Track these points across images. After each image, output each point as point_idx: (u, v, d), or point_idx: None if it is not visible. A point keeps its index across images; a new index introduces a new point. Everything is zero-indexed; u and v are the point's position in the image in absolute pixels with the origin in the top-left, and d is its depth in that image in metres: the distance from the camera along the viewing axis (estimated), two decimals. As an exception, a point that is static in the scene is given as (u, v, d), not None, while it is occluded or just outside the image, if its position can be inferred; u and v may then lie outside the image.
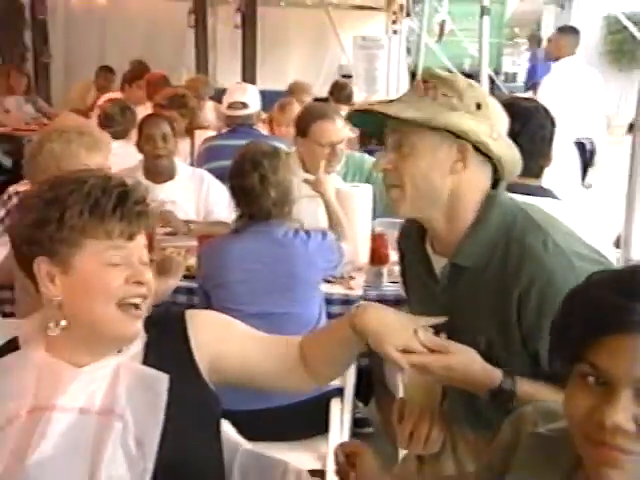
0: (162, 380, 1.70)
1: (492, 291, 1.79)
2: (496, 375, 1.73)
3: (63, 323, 1.69)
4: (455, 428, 2.05)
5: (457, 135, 1.78)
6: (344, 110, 6.12)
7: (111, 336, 1.72)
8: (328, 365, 1.86)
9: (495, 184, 1.90)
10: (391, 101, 1.91)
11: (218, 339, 1.86)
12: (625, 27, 8.31)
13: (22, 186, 4.17)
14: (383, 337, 1.67)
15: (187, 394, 1.74)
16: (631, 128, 3.14)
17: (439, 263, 1.93)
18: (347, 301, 3.43)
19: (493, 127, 1.81)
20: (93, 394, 1.68)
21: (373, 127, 1.97)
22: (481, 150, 1.81)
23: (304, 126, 4.17)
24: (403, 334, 1.66)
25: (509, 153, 1.85)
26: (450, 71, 1.98)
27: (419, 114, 1.78)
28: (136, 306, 1.70)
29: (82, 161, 3.02)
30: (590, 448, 1.19)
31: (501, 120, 1.86)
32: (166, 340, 1.81)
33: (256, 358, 1.86)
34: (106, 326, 1.69)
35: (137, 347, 1.78)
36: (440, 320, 1.77)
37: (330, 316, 3.25)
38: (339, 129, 4.12)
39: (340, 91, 7.76)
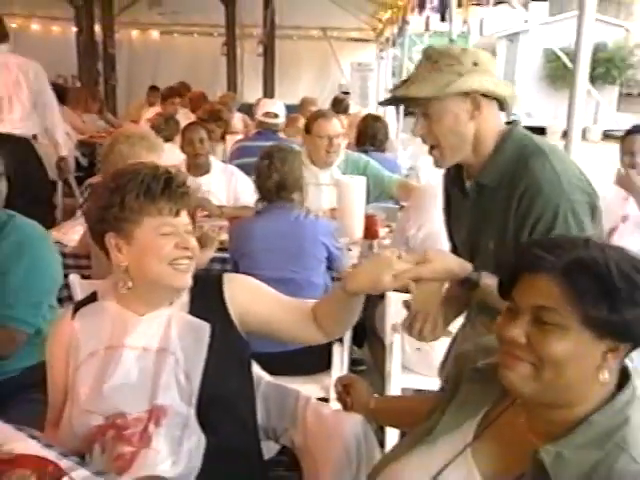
0: (205, 327, 1.72)
1: (501, 202, 1.77)
2: (468, 267, 1.71)
3: (130, 284, 1.72)
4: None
5: (468, 92, 1.76)
6: (343, 118, 6.12)
7: (166, 287, 1.74)
8: (336, 323, 1.83)
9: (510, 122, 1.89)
10: (407, 80, 1.88)
11: (247, 298, 1.83)
12: (559, 57, 8.30)
13: (95, 179, 4.14)
14: (376, 282, 1.62)
15: (223, 340, 1.74)
16: (564, 134, 3.13)
17: (469, 184, 1.91)
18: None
19: (492, 75, 1.79)
20: (152, 336, 1.72)
21: (401, 101, 1.96)
22: (487, 95, 1.78)
23: (309, 124, 4.24)
24: (386, 268, 1.60)
25: (508, 90, 1.83)
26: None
27: (434, 89, 1.76)
28: (183, 264, 1.71)
29: (143, 159, 3.00)
30: (499, 356, 1.24)
31: (495, 67, 1.84)
32: (207, 295, 1.80)
33: (277, 316, 1.84)
34: (162, 280, 1.71)
35: (184, 299, 1.79)
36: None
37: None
38: (335, 125, 4.19)
39: (339, 104, 7.77)
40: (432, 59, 1.79)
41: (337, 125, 4.22)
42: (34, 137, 4.96)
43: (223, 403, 1.74)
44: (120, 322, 1.74)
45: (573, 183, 1.72)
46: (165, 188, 1.70)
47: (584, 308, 1.13)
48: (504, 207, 1.75)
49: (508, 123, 1.87)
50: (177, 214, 1.72)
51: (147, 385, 1.69)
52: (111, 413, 1.68)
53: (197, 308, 1.78)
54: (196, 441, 1.68)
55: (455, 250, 2.05)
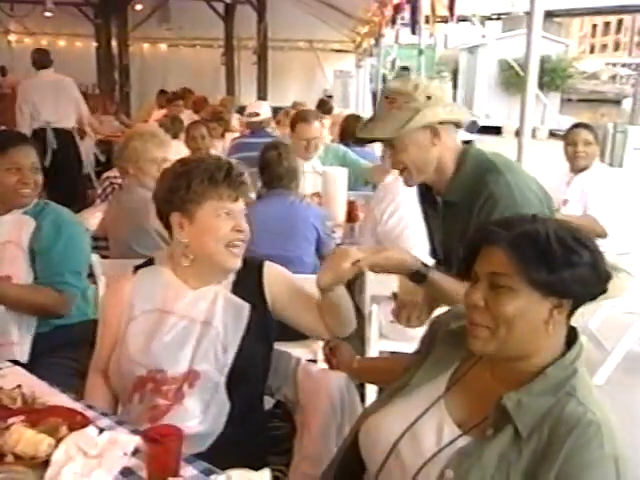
0: (246, 308, 1.70)
1: (466, 214, 1.75)
2: (419, 262, 1.68)
3: (192, 257, 1.70)
4: None
5: (425, 126, 1.74)
6: (327, 118, 6.12)
7: (220, 267, 1.72)
8: (333, 319, 1.80)
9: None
10: (371, 119, 1.85)
11: (281, 288, 1.81)
12: (512, 67, 8.35)
13: (112, 173, 4.09)
14: (337, 270, 1.60)
15: (259, 320, 1.73)
16: (517, 133, 3.17)
17: (439, 199, 1.89)
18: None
19: (445, 104, 1.76)
20: (199, 309, 1.70)
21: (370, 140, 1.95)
22: (443, 122, 1.76)
23: (293, 125, 4.21)
24: (344, 258, 1.59)
25: (461, 114, 1.81)
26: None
27: (395, 129, 1.73)
28: (237, 246, 1.69)
29: (153, 154, 2.96)
30: (467, 324, 1.25)
31: (445, 93, 1.81)
32: (249, 278, 1.78)
33: (300, 311, 1.82)
34: (217, 259, 1.69)
35: (230, 280, 1.77)
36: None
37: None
38: (314, 129, 4.11)
39: (325, 105, 7.76)
40: (389, 98, 1.76)
41: (316, 129, 4.18)
42: (73, 129, 6.31)
43: (249, 375, 1.73)
44: (173, 290, 1.72)
45: (524, 193, 1.71)
46: (226, 176, 1.68)
47: (528, 272, 1.15)
48: (466, 219, 1.74)
49: (465, 142, 1.85)
50: (235, 200, 1.69)
51: (188, 351, 1.67)
52: (153, 368, 1.67)
53: (240, 289, 1.75)
54: (222, 407, 1.67)
55: (434, 252, 2.04)
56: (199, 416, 1.65)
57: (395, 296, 1.78)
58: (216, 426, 1.66)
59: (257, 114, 5.13)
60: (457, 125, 1.82)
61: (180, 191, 1.67)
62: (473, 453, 1.17)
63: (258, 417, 1.82)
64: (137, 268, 1.81)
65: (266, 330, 1.78)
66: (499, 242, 1.19)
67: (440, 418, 1.28)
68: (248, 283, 1.77)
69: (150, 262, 1.82)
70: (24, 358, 2.18)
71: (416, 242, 2.76)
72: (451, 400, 1.30)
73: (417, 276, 1.67)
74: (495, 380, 1.26)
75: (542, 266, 1.15)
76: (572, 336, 1.24)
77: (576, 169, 3.67)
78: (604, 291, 1.19)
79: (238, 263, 1.72)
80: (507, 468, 1.14)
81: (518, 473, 1.13)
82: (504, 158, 1.84)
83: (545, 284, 1.15)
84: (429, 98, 1.73)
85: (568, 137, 3.70)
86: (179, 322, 1.69)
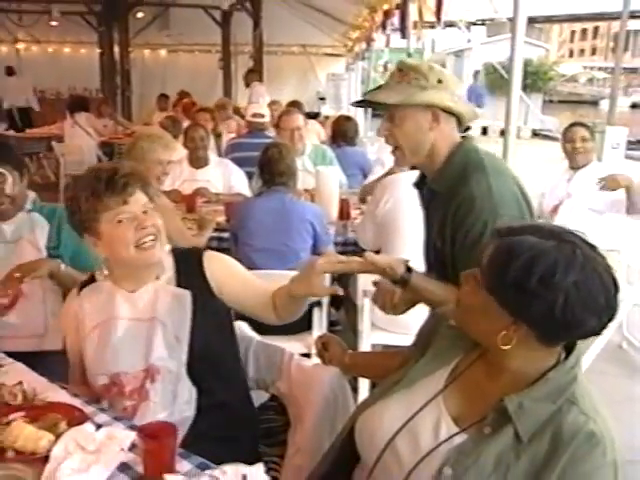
0: (187, 295, 1.68)
1: (443, 208, 1.68)
2: (400, 268, 1.62)
3: (106, 272, 1.72)
4: None
5: (429, 105, 1.67)
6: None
7: (140, 267, 1.68)
8: (287, 312, 1.76)
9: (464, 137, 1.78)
10: (379, 87, 1.78)
11: (223, 274, 1.77)
12: (496, 70, 8.36)
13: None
14: (311, 290, 1.61)
15: (205, 305, 1.70)
16: (502, 133, 3.14)
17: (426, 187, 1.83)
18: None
19: (453, 93, 1.69)
20: (142, 308, 1.68)
21: (371, 105, 1.85)
22: (446, 110, 1.69)
23: (278, 120, 4.35)
24: (314, 274, 1.58)
25: (466, 109, 1.73)
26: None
27: (399, 98, 1.67)
28: (146, 242, 1.64)
29: (159, 155, 2.97)
30: None
31: (457, 86, 1.73)
32: (190, 270, 1.75)
33: (245, 294, 1.78)
34: (133, 262, 1.66)
35: (170, 274, 1.74)
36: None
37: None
38: (295, 120, 4.22)
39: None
40: (403, 71, 1.70)
41: (298, 119, 4.22)
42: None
43: (209, 361, 1.70)
44: (115, 298, 1.70)
45: (504, 196, 1.62)
46: (108, 184, 1.62)
47: (489, 277, 1.14)
48: (444, 214, 1.67)
49: (463, 137, 1.77)
50: (125, 202, 1.63)
51: (142, 348, 1.66)
52: (112, 373, 1.67)
53: (182, 281, 1.73)
54: (188, 395, 1.66)
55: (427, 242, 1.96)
56: (167, 408, 1.65)
57: (375, 283, 1.75)
58: (186, 415, 1.66)
59: (262, 116, 5.02)
60: (459, 121, 1.74)
61: (75, 215, 1.65)
62: (472, 452, 1.14)
63: (236, 407, 1.77)
64: (82, 286, 1.79)
65: (215, 313, 1.74)
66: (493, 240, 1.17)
67: (438, 414, 1.24)
68: (189, 273, 1.73)
69: (92, 279, 1.79)
70: (58, 345, 2.09)
71: (408, 226, 2.82)
72: (450, 396, 1.26)
73: (400, 282, 1.63)
74: (489, 380, 1.22)
75: (498, 277, 1.12)
76: (571, 343, 1.19)
77: (576, 166, 3.67)
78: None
79: (155, 255, 1.67)
80: (505, 470, 1.11)
81: (516, 477, 1.10)
82: (494, 159, 1.76)
83: (498, 292, 1.12)
84: (440, 82, 1.67)
85: (566, 135, 3.68)
86: (126, 324, 1.68)
